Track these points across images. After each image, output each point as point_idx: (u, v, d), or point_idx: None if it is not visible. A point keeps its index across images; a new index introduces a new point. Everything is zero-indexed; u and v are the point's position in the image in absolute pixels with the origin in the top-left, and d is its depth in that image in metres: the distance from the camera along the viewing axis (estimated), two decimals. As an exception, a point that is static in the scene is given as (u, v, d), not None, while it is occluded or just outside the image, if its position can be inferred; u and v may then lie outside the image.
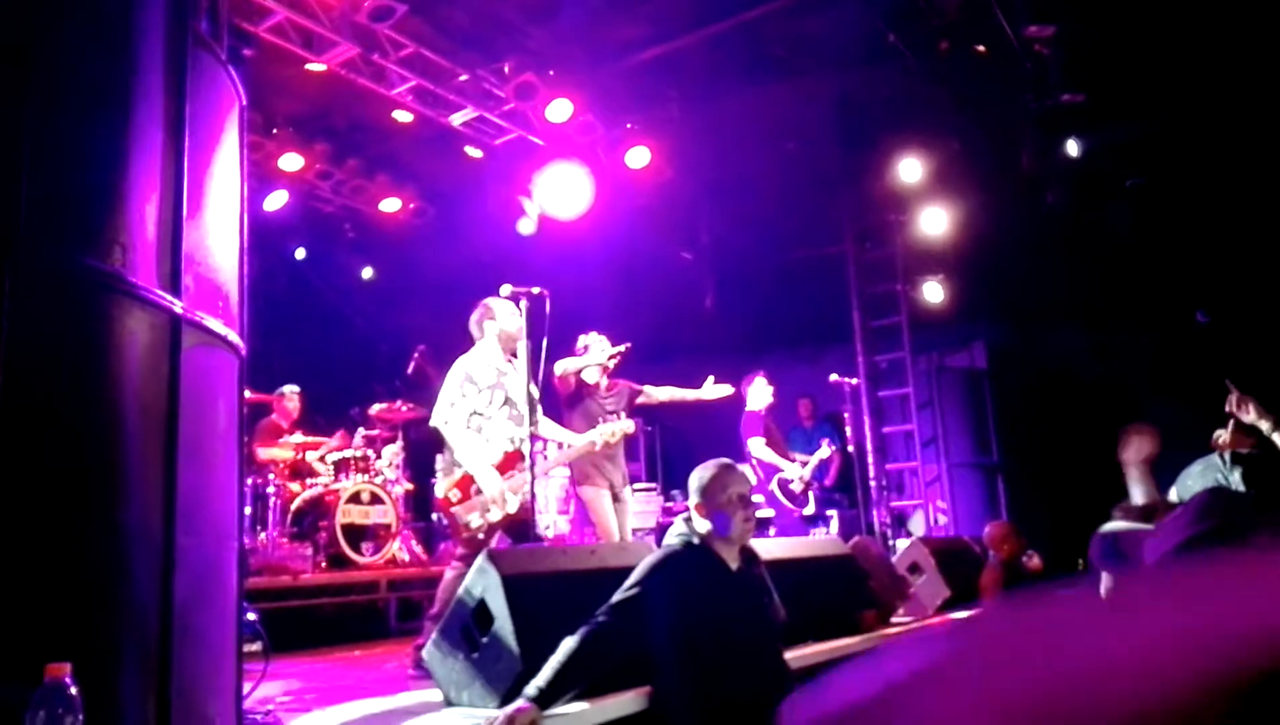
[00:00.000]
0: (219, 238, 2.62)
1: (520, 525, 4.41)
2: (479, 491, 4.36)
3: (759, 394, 7.39)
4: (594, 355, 5.45)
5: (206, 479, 2.38)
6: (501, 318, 4.67)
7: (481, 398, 4.52)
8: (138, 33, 2.31)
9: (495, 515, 4.34)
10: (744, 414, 7.45)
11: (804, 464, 7.47)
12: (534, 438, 4.50)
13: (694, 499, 3.12)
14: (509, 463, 4.48)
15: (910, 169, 8.70)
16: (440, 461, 4.87)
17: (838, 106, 8.77)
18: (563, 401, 5.58)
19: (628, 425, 5.21)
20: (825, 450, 7.59)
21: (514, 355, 4.69)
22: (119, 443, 2.00)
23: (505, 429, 4.55)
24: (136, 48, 2.29)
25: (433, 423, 4.57)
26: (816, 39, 7.35)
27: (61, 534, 1.88)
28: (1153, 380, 9.94)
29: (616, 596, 2.98)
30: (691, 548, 3.08)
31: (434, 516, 7.88)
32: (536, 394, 4.59)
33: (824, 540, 6.27)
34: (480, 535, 4.32)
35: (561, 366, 5.40)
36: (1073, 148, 7.71)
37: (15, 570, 1.81)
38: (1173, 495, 3.34)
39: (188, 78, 2.43)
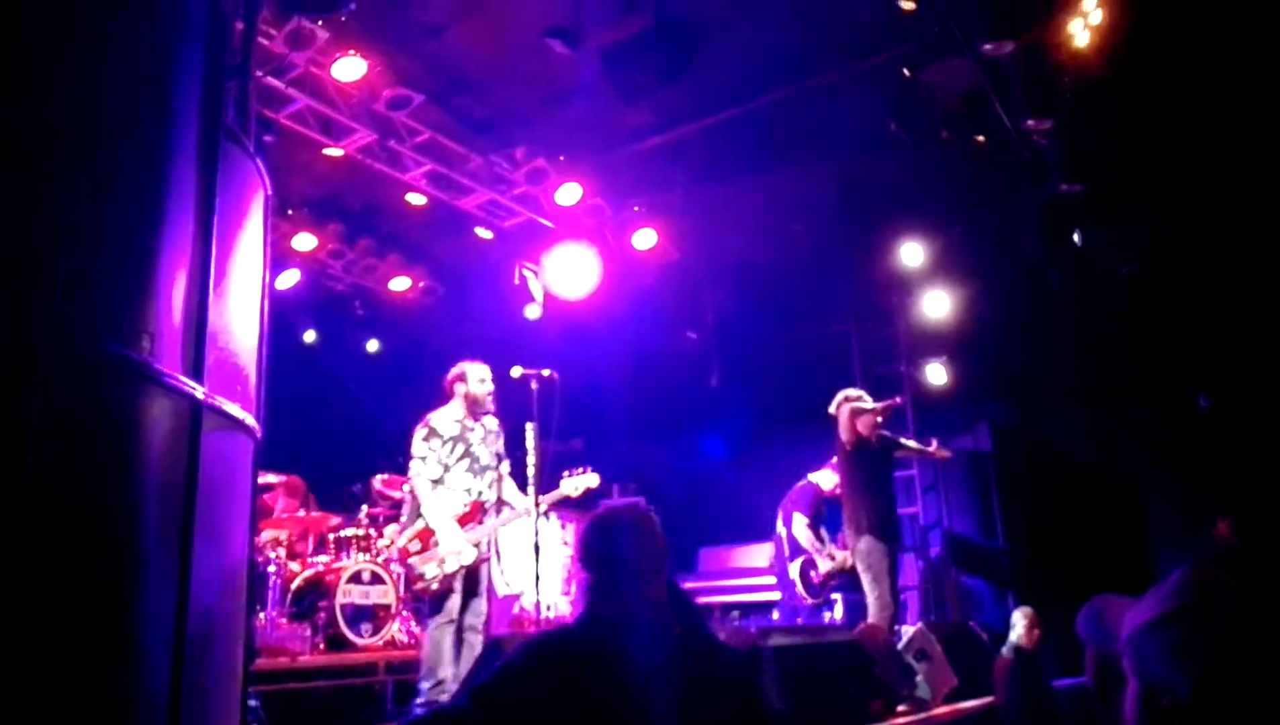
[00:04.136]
0: (240, 322, 2.67)
1: (472, 576, 4.63)
2: (437, 543, 4.57)
3: (829, 478, 7.06)
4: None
5: (219, 563, 2.39)
6: (471, 382, 4.92)
7: (444, 449, 4.78)
8: (172, 128, 2.39)
9: (451, 566, 4.53)
10: (804, 481, 7.24)
11: (830, 558, 7.05)
12: (500, 504, 4.83)
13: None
14: (470, 515, 4.72)
15: (912, 253, 8.81)
16: (404, 513, 5.05)
17: (840, 191, 8.92)
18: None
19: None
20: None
21: (479, 417, 4.94)
22: (138, 530, 2.01)
23: (464, 481, 4.78)
24: (170, 142, 2.37)
25: (409, 476, 4.82)
26: (819, 126, 7.54)
27: (78, 623, 1.88)
28: (1155, 462, 9.91)
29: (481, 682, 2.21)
30: (593, 621, 2.20)
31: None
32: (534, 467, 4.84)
33: (829, 626, 6.18)
34: (434, 586, 4.53)
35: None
36: (1077, 237, 7.84)
37: (28, 659, 1.81)
38: None
39: (218, 169, 2.51)
